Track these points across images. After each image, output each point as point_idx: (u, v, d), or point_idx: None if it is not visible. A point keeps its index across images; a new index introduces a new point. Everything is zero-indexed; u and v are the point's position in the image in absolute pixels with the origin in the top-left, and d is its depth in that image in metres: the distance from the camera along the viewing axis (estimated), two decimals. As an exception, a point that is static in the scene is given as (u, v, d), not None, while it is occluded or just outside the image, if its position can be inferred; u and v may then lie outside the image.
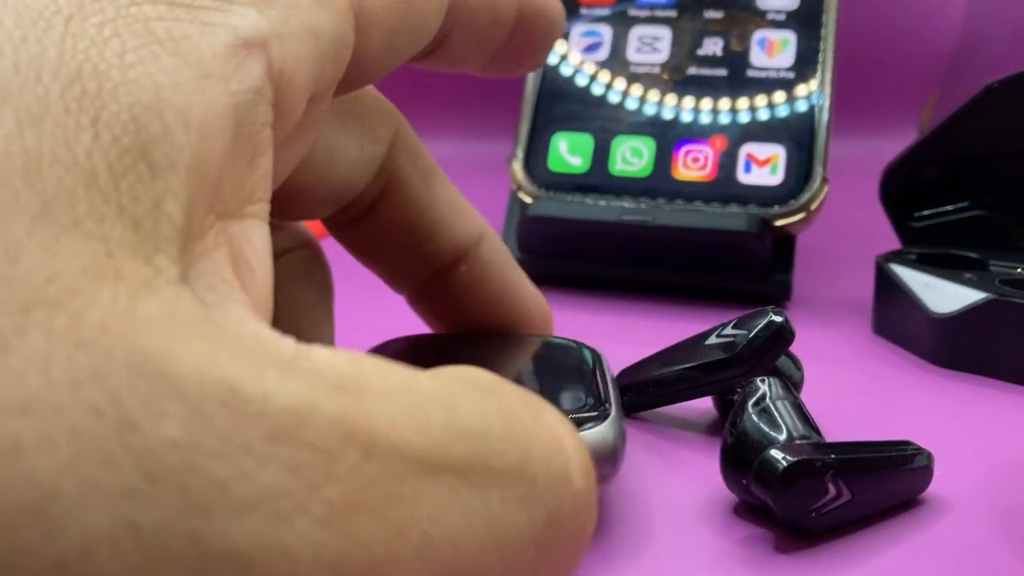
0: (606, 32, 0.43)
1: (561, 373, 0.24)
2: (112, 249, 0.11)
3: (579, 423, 0.20)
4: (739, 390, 0.24)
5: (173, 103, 0.13)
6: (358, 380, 0.12)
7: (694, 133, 0.40)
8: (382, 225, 0.23)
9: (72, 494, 0.10)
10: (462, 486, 0.12)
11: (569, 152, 0.41)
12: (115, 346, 0.10)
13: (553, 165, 0.40)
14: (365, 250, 0.24)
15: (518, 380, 0.23)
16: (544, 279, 0.28)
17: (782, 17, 0.42)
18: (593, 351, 0.25)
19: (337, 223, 0.24)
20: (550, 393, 0.23)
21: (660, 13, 0.43)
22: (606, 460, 0.21)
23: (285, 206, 0.20)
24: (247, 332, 0.12)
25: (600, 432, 0.20)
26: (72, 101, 0.12)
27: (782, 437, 0.22)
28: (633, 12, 0.43)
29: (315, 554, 0.10)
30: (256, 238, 0.14)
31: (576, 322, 0.35)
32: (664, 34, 0.42)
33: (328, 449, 0.11)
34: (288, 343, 0.12)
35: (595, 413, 0.21)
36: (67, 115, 0.12)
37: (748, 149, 0.39)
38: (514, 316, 0.25)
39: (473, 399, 0.12)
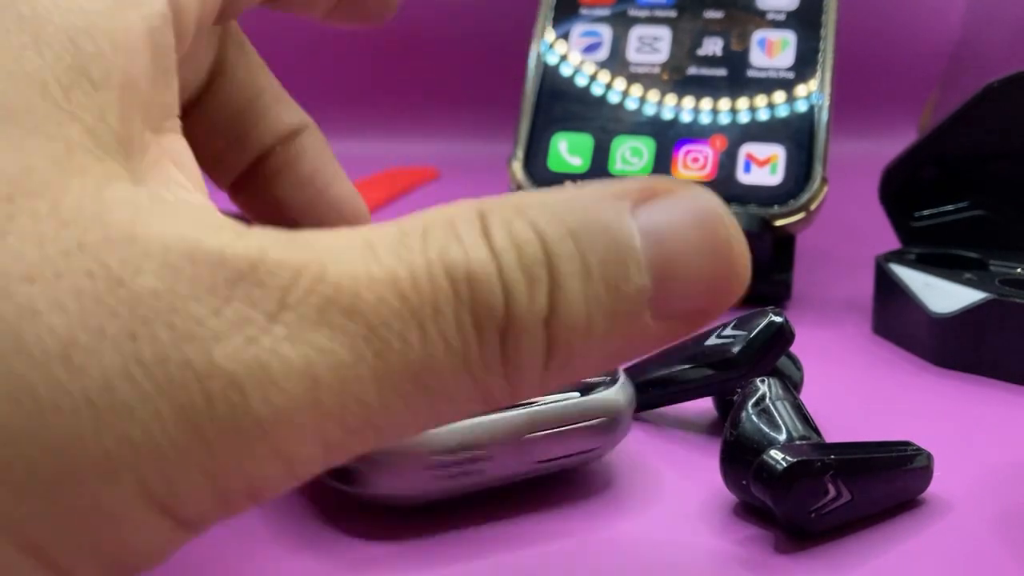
0: (606, 32, 0.43)
1: None
2: (73, 149, 0.13)
3: (592, 387, 0.23)
4: (739, 390, 0.24)
5: (101, 27, 0.14)
6: (307, 236, 0.13)
7: (694, 133, 0.40)
8: (207, 115, 0.24)
9: (87, 341, 0.12)
10: (409, 293, 0.13)
11: (569, 152, 0.41)
12: (91, 223, 0.12)
13: (553, 165, 0.40)
14: (193, 143, 0.24)
15: None
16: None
17: (782, 17, 0.42)
18: None
19: None
20: None
21: (660, 13, 0.43)
22: (619, 422, 0.23)
23: None
24: (200, 208, 0.14)
25: (612, 394, 0.23)
26: (11, 23, 0.14)
27: (782, 438, 0.22)
28: (633, 12, 0.43)
29: (285, 363, 0.12)
30: (182, 148, 0.16)
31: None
32: (664, 34, 0.42)
33: (280, 284, 0.12)
34: (235, 220, 0.14)
35: (607, 377, 0.23)
36: (8, 35, 0.14)
37: (748, 149, 0.39)
38: (325, 205, 0.25)
39: (418, 232, 0.13)
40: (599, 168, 0.40)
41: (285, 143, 0.24)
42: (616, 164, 0.40)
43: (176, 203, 0.13)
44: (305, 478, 0.13)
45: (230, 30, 0.23)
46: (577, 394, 0.22)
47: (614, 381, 0.23)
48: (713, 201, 0.15)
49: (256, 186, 0.25)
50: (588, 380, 0.22)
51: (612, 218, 0.14)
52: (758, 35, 0.41)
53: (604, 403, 0.23)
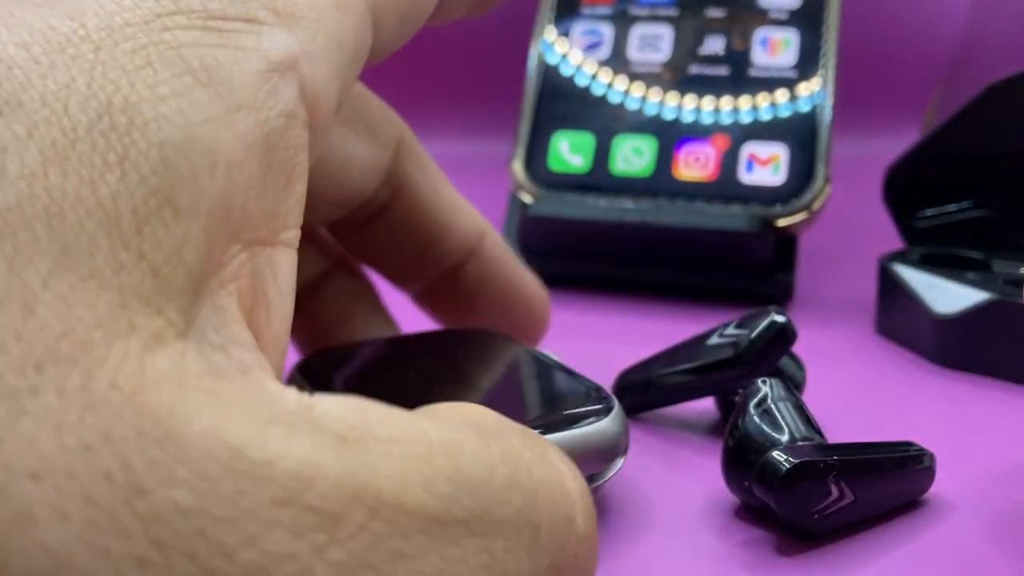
0: (607, 31, 0.43)
1: (540, 371, 0.24)
2: (127, 299, 0.11)
3: (585, 417, 0.21)
4: (741, 391, 0.24)
5: (203, 141, 0.12)
6: (362, 431, 0.12)
7: (696, 132, 0.40)
8: (389, 229, 0.24)
9: (84, 564, 0.10)
10: (467, 538, 0.12)
11: (570, 152, 0.40)
12: (124, 407, 0.10)
13: (553, 165, 0.40)
14: (372, 254, 0.25)
15: (508, 386, 0.23)
16: (544, 279, 0.28)
17: (784, 16, 0.41)
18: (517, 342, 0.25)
19: (345, 228, 0.24)
20: (548, 394, 0.23)
21: (661, 12, 0.43)
22: (616, 451, 0.21)
23: None
24: (251, 386, 0.12)
25: (608, 424, 0.21)
26: (100, 136, 0.12)
27: (784, 438, 0.22)
28: (634, 11, 0.43)
29: None
30: (282, 269, 0.14)
31: (577, 322, 0.35)
32: (665, 33, 0.42)
33: (333, 512, 0.11)
34: (292, 394, 0.12)
35: (600, 406, 0.21)
36: (94, 152, 0.12)
37: (750, 148, 0.39)
38: (518, 305, 0.26)
39: (477, 446, 0.12)
40: (600, 167, 0.40)
41: (473, 258, 0.25)
42: (617, 163, 0.40)
43: (224, 375, 0.12)
44: None
45: (405, 142, 0.23)
46: (567, 426, 0.20)
47: (609, 408, 0.21)
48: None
49: (446, 299, 0.26)
50: (579, 409, 0.21)
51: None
52: (760, 34, 0.41)
53: (602, 437, 0.21)
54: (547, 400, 0.23)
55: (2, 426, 0.10)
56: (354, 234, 0.24)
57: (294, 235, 0.14)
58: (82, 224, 0.11)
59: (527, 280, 0.26)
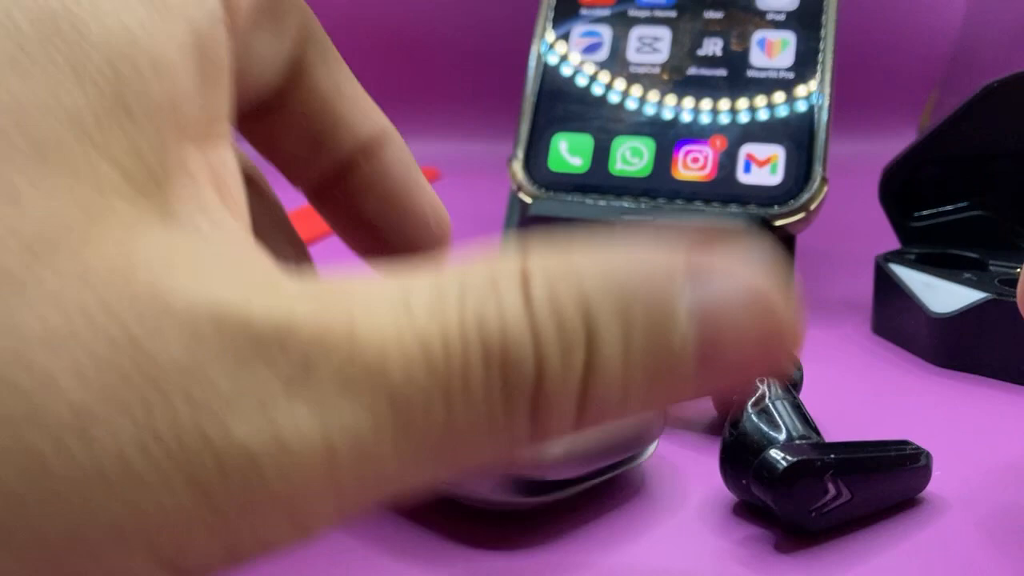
0: (606, 32, 0.43)
1: None
2: (104, 190, 0.13)
3: None
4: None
5: (145, 49, 0.14)
6: (342, 287, 0.13)
7: (694, 133, 0.40)
8: (285, 118, 0.23)
9: (103, 412, 0.11)
10: (439, 365, 0.13)
11: (569, 152, 0.41)
12: (116, 280, 0.12)
13: (553, 165, 0.40)
14: (266, 142, 0.24)
15: None
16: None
17: (782, 17, 0.42)
18: None
19: (240, 117, 0.23)
20: None
21: (660, 13, 0.43)
22: (651, 434, 0.23)
23: None
24: (236, 253, 0.13)
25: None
26: (52, 48, 0.13)
27: (782, 437, 0.22)
28: (633, 12, 0.43)
29: (303, 436, 0.12)
30: (228, 159, 0.16)
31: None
32: (664, 34, 0.42)
33: (306, 352, 0.12)
34: (271, 266, 0.13)
35: None
36: (49, 62, 0.13)
37: (748, 149, 0.39)
38: (410, 216, 0.25)
39: (455, 291, 0.13)
40: (599, 168, 0.40)
41: (366, 153, 0.24)
42: (616, 164, 0.40)
43: (207, 244, 0.13)
44: (317, 534, 0.13)
45: (309, 32, 0.23)
46: None
47: None
48: (767, 281, 0.15)
49: (337, 196, 0.25)
50: None
51: (663, 291, 0.14)
52: (758, 35, 0.42)
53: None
54: None
55: (11, 305, 0.11)
56: (250, 122, 0.24)
57: (227, 127, 0.16)
58: (51, 127, 0.12)
59: (424, 197, 0.25)
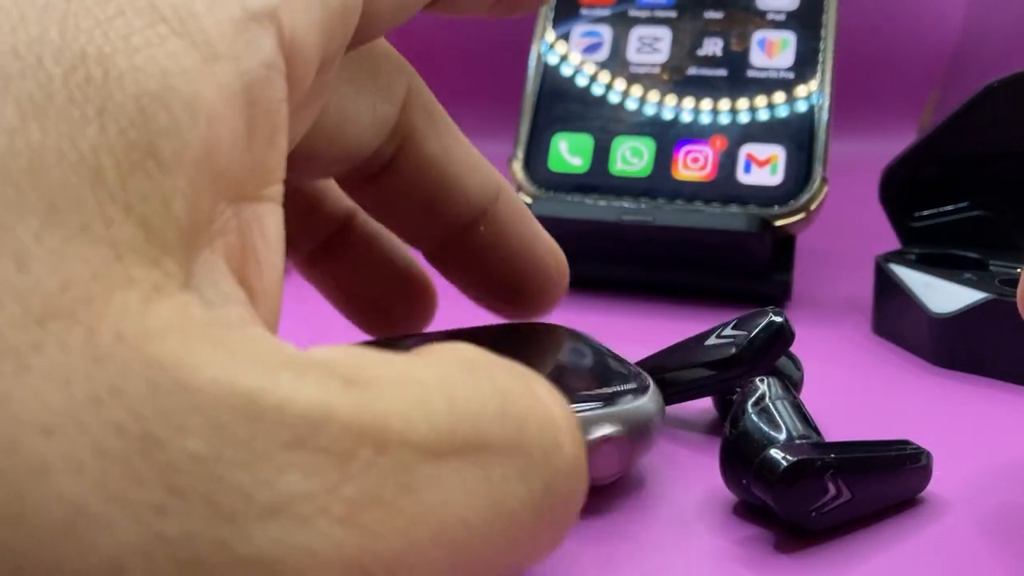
0: (606, 32, 0.43)
1: (583, 355, 0.25)
2: (121, 252, 0.11)
3: (623, 395, 0.22)
4: (739, 390, 0.24)
5: (180, 91, 0.12)
6: (363, 372, 0.12)
7: (694, 133, 0.40)
8: (397, 184, 0.23)
9: (101, 511, 0.10)
10: (467, 467, 0.12)
11: (569, 152, 0.41)
12: (131, 359, 0.10)
13: (553, 165, 0.41)
14: (380, 209, 0.24)
15: (556, 369, 0.24)
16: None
17: (782, 17, 0.42)
18: (573, 331, 0.26)
19: (350, 183, 0.23)
20: (590, 377, 0.24)
21: (660, 14, 0.43)
22: (653, 427, 0.23)
23: (294, 169, 0.21)
24: (254, 335, 0.12)
25: (645, 402, 0.22)
26: (76, 89, 0.12)
27: (782, 437, 0.22)
28: (633, 12, 0.43)
29: (337, 552, 0.11)
30: (270, 224, 0.14)
31: (576, 322, 0.35)
32: (664, 34, 0.42)
33: (343, 452, 0.11)
34: (290, 345, 0.12)
35: (635, 386, 0.23)
36: (71, 105, 0.11)
37: (748, 149, 0.39)
38: (532, 269, 0.25)
39: (469, 380, 0.13)
40: (599, 168, 0.40)
41: (485, 220, 0.24)
42: (616, 164, 0.40)
43: (227, 323, 0.12)
44: None
45: (415, 96, 0.22)
46: (600, 403, 0.22)
47: (643, 389, 0.23)
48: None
49: (457, 258, 0.25)
50: (613, 388, 0.22)
51: None
52: (758, 35, 0.42)
53: (639, 415, 0.22)
54: (594, 383, 0.23)
55: (8, 382, 0.10)
56: (362, 189, 0.23)
57: (278, 190, 0.14)
58: (67, 179, 0.11)
59: (543, 245, 0.25)
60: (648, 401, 0.22)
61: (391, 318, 0.27)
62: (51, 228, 0.11)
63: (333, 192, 0.25)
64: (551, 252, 0.26)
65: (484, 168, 0.24)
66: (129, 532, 0.10)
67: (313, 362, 0.12)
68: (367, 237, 0.25)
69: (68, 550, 0.10)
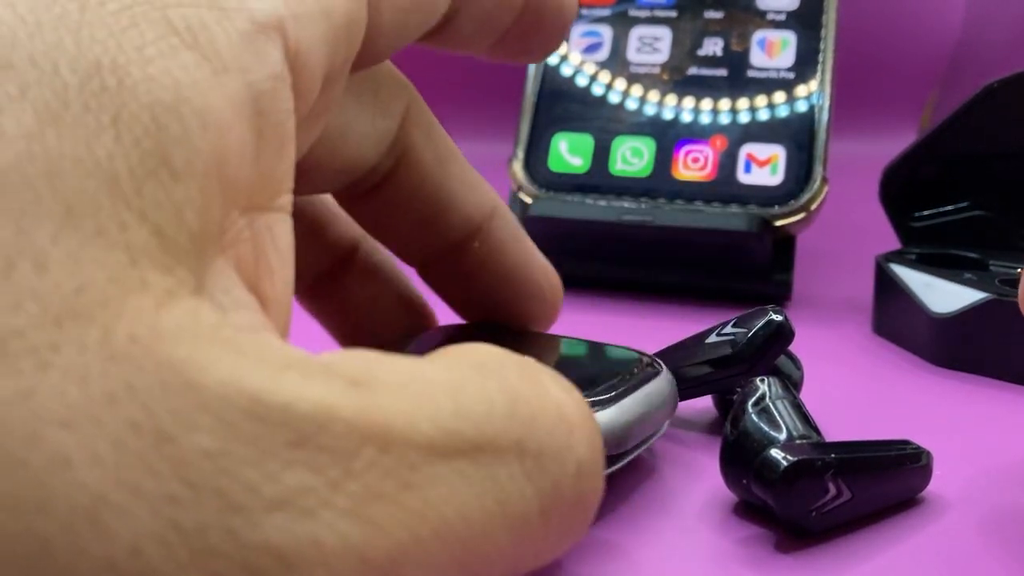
0: (606, 32, 0.43)
1: (589, 350, 0.25)
2: (136, 257, 0.12)
3: (645, 380, 0.23)
4: (739, 389, 0.24)
5: (192, 102, 0.12)
6: (369, 375, 0.12)
7: (694, 133, 0.40)
8: (394, 199, 0.23)
9: (120, 501, 0.10)
10: (471, 467, 0.12)
11: (569, 152, 0.41)
12: (145, 359, 0.11)
13: (553, 165, 0.41)
14: (375, 224, 0.24)
15: (568, 366, 0.24)
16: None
17: (782, 17, 0.42)
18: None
19: (347, 197, 0.24)
20: (602, 367, 0.24)
21: (660, 13, 0.43)
22: (665, 412, 0.23)
23: (295, 182, 0.21)
24: (263, 340, 0.12)
25: (659, 384, 0.23)
26: (91, 97, 0.12)
27: (782, 437, 0.22)
28: (633, 12, 0.43)
29: (341, 541, 0.11)
30: (280, 234, 0.14)
31: (576, 322, 0.35)
32: (664, 34, 0.42)
33: (346, 449, 0.11)
34: (297, 350, 0.12)
35: (653, 370, 0.23)
36: (87, 113, 0.12)
37: (748, 149, 0.39)
38: (525, 290, 0.25)
39: (476, 381, 0.13)
40: (599, 168, 0.40)
41: (480, 238, 0.24)
42: (616, 164, 0.40)
43: (238, 328, 0.12)
44: None
45: (413, 112, 0.22)
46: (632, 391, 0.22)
47: (656, 372, 0.23)
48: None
49: (451, 275, 0.25)
50: (636, 374, 0.23)
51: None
52: (758, 35, 0.42)
53: (659, 393, 0.23)
54: (604, 372, 0.23)
55: (30, 379, 0.10)
56: (358, 203, 0.24)
57: (288, 200, 0.15)
58: (83, 184, 0.11)
59: (537, 265, 0.26)
60: (664, 378, 0.23)
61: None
62: (68, 232, 0.11)
63: (338, 219, 0.25)
64: (545, 274, 0.26)
65: (480, 186, 0.24)
66: (146, 521, 0.10)
67: (319, 364, 0.12)
68: (372, 267, 0.26)
69: (92, 536, 0.10)
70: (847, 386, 0.31)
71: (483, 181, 0.24)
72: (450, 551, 0.12)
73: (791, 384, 0.25)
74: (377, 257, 0.26)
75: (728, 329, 0.26)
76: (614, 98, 0.41)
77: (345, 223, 0.25)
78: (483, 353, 0.14)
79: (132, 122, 0.12)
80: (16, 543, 0.10)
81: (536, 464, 0.13)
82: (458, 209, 0.24)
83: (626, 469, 0.24)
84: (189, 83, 0.13)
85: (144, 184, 0.12)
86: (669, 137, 0.40)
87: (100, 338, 0.11)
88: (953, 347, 0.32)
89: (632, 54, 0.42)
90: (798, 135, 0.39)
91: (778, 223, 0.37)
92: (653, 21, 0.43)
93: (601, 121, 0.41)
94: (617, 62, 0.42)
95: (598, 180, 0.40)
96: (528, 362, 0.14)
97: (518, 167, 0.41)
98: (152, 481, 0.11)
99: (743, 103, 0.40)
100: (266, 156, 0.14)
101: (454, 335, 0.25)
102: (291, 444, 0.11)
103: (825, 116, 0.39)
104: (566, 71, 0.42)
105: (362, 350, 0.13)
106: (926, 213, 0.38)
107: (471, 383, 0.13)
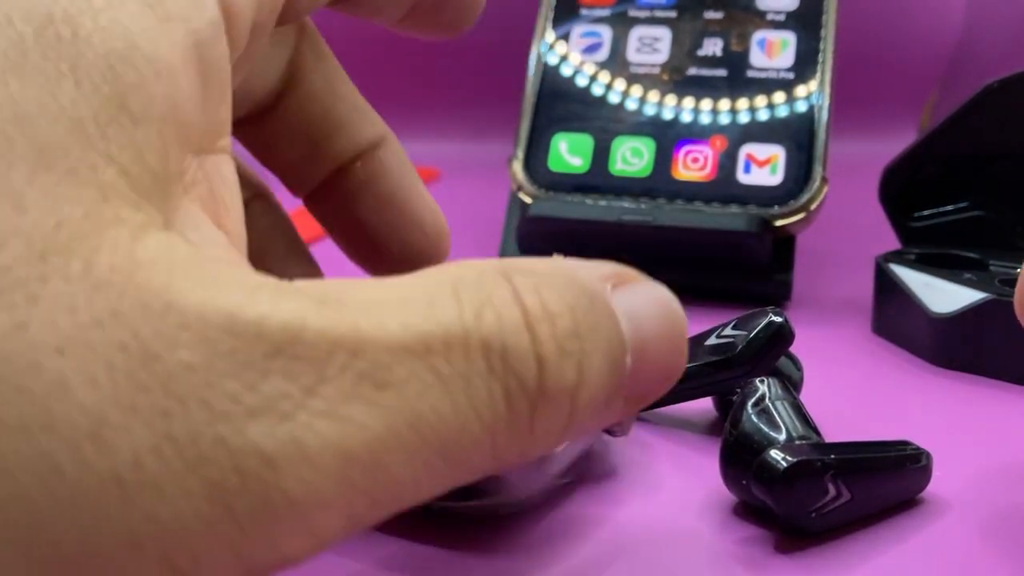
0: (606, 33, 0.43)
1: None
2: (107, 195, 0.12)
3: None
4: (739, 390, 0.24)
5: (144, 50, 0.13)
6: (339, 293, 0.13)
7: (694, 133, 0.40)
8: (282, 122, 0.23)
9: (118, 418, 0.11)
10: (442, 364, 0.13)
11: (569, 152, 0.41)
12: (126, 286, 0.12)
13: (553, 165, 0.41)
14: (264, 148, 0.24)
15: None
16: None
17: (782, 17, 0.42)
18: None
19: (236, 122, 0.23)
20: None
21: (660, 14, 0.43)
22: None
23: None
24: (233, 266, 0.13)
25: None
26: (48, 47, 0.13)
27: (782, 437, 0.22)
28: (633, 13, 0.43)
29: (320, 440, 0.12)
30: (227, 173, 0.15)
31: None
32: (664, 35, 0.42)
33: (318, 357, 0.12)
34: (268, 276, 0.13)
35: None
36: (46, 61, 0.13)
37: (748, 149, 0.39)
38: (406, 222, 0.25)
39: (447, 292, 0.14)
40: (599, 168, 0.40)
41: (364, 159, 0.24)
42: (616, 164, 0.40)
43: (211, 256, 0.13)
44: (328, 547, 0.13)
45: (306, 37, 0.23)
46: None
47: None
48: (668, 292, 0.16)
49: (334, 201, 0.25)
50: None
51: (607, 300, 0.15)
52: (758, 35, 0.42)
53: None
54: None
55: (23, 311, 0.11)
56: (247, 128, 0.23)
57: (228, 141, 0.16)
58: (52, 128, 0.12)
59: (421, 198, 0.25)
60: None
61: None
62: (41, 172, 0.12)
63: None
64: (430, 212, 0.25)
65: (370, 114, 0.24)
66: (143, 434, 0.11)
67: (291, 286, 0.13)
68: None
69: (95, 453, 0.11)
70: (847, 387, 0.31)
71: (374, 112, 0.24)
72: (428, 444, 0.13)
73: (791, 385, 0.25)
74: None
75: (728, 331, 0.26)
76: (614, 98, 0.41)
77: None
78: (465, 269, 0.14)
79: (90, 70, 0.13)
80: (29, 463, 0.11)
81: (501, 361, 0.13)
82: (346, 132, 0.24)
83: (626, 469, 0.24)
84: (139, 31, 0.13)
85: (107, 128, 0.13)
86: (669, 137, 0.40)
87: (83, 269, 0.12)
88: (953, 347, 0.32)
89: (632, 54, 0.42)
90: (798, 135, 0.39)
91: (778, 223, 0.37)
92: (653, 21, 0.43)
93: (601, 121, 0.41)
94: (617, 62, 0.42)
95: (598, 180, 0.40)
96: (503, 268, 0.14)
97: (518, 167, 0.41)
98: (144, 397, 0.11)
99: (743, 103, 0.40)
100: (211, 101, 0.15)
101: None
102: (266, 355, 0.12)
103: (825, 116, 0.39)
104: (566, 71, 0.42)
105: (340, 278, 0.14)
106: (926, 213, 0.38)
107: (443, 293, 0.14)
